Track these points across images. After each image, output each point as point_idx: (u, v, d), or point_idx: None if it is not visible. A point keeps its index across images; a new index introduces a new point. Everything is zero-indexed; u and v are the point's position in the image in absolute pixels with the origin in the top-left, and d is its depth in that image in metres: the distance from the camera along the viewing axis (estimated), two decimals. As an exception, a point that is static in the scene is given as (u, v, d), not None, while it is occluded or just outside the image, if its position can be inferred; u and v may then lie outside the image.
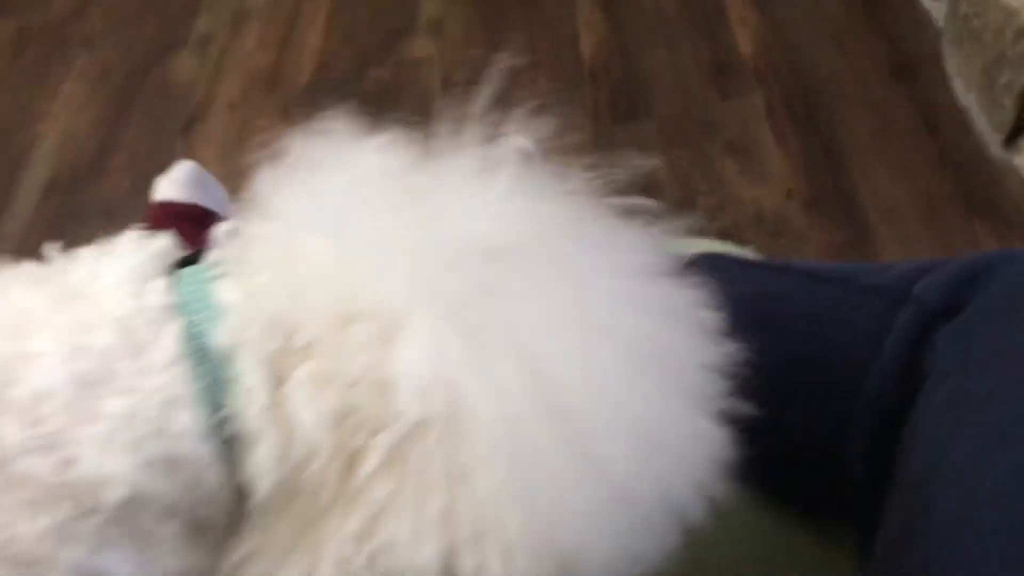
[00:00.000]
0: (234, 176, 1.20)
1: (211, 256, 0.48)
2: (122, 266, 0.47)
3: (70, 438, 0.43)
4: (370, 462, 0.41)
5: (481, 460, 0.40)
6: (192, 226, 0.95)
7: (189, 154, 1.27)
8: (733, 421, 0.44)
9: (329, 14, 1.59)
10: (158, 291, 0.46)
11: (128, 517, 0.44)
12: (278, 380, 0.43)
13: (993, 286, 0.54)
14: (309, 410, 0.42)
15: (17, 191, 1.37)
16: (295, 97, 1.43)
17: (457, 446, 0.40)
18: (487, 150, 0.45)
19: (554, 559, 0.40)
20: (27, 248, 0.48)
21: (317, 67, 1.48)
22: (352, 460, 0.42)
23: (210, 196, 1.01)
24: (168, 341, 0.45)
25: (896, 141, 1.26)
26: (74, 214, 1.33)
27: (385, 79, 1.43)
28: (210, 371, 0.44)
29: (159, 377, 0.44)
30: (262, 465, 0.43)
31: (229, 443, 0.44)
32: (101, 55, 1.59)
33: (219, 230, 0.48)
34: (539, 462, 0.40)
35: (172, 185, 1.00)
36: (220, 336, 0.44)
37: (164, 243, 0.48)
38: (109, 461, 0.43)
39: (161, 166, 1.37)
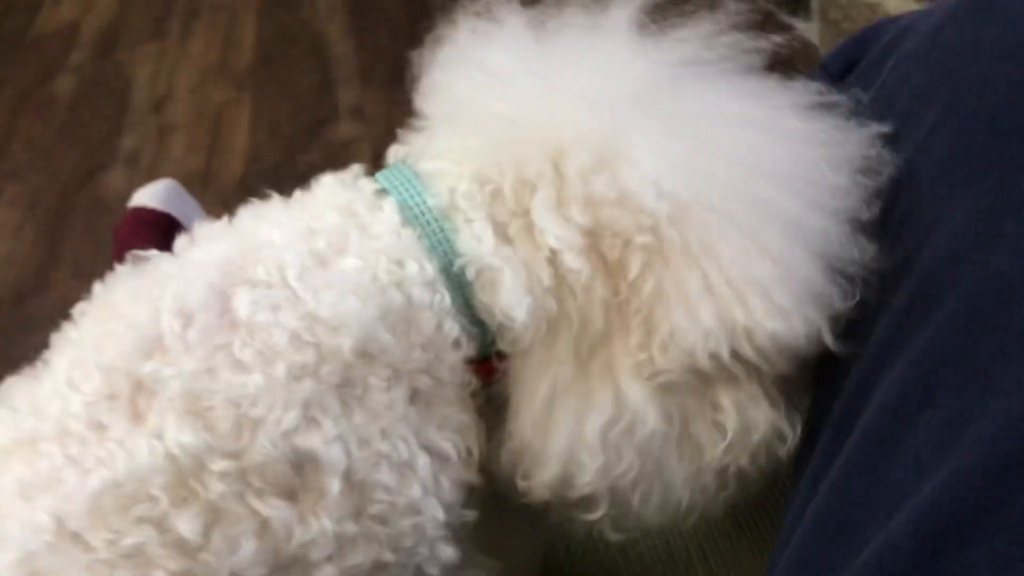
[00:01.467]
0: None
1: (396, 153, 0.53)
2: (326, 180, 0.52)
3: (307, 293, 0.46)
4: (634, 266, 0.46)
5: (718, 235, 0.46)
6: (159, 234, 0.95)
7: (134, 253, 1.29)
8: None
9: (251, 116, 1.65)
10: (366, 182, 0.51)
11: (352, 379, 0.45)
12: (500, 223, 0.47)
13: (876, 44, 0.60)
14: (559, 231, 0.46)
15: (-38, 314, 1.36)
16: (231, 190, 1.47)
17: (695, 229, 0.46)
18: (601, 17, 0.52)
19: (804, 290, 0.46)
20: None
21: (247, 162, 1.53)
22: (614, 271, 0.46)
23: (184, 211, 1.01)
24: (388, 213, 0.49)
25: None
26: (22, 326, 1.32)
27: (316, 162, 1.49)
28: (433, 229, 0.48)
29: (386, 239, 0.48)
30: (512, 296, 0.46)
31: (465, 289, 0.48)
32: (29, 183, 1.61)
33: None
34: (759, 226, 0.46)
35: (147, 194, 1.01)
36: (434, 199, 0.49)
37: (356, 168, 0.53)
38: (347, 303, 0.45)
39: (106, 272, 1.38)
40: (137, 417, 0.44)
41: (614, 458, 0.47)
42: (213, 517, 0.43)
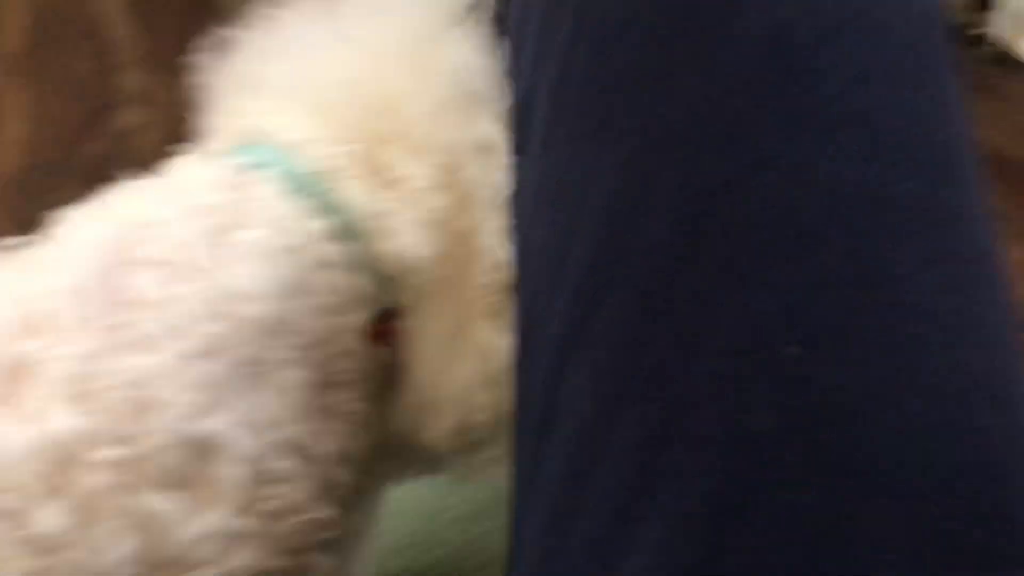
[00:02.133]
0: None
1: (234, 137, 0.52)
2: (187, 160, 0.50)
3: (213, 266, 0.43)
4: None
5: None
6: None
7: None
8: None
9: (26, 106, 1.54)
10: (230, 158, 0.49)
11: (261, 356, 0.43)
12: (375, 177, 0.48)
13: None
14: (420, 172, 0.48)
15: None
16: (7, 185, 1.38)
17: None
18: None
19: None
20: None
21: (24, 154, 1.44)
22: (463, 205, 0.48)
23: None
24: (271, 184, 0.48)
25: None
26: None
27: (101, 152, 1.41)
28: (318, 191, 0.48)
29: (278, 208, 0.47)
30: (411, 235, 0.47)
31: (361, 243, 0.48)
32: None
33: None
34: None
35: None
36: (305, 163, 0.48)
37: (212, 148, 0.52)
38: (258, 271, 0.44)
39: None
40: (11, 399, 0.39)
41: (501, 392, 0.47)
42: (87, 510, 0.39)
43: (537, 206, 0.48)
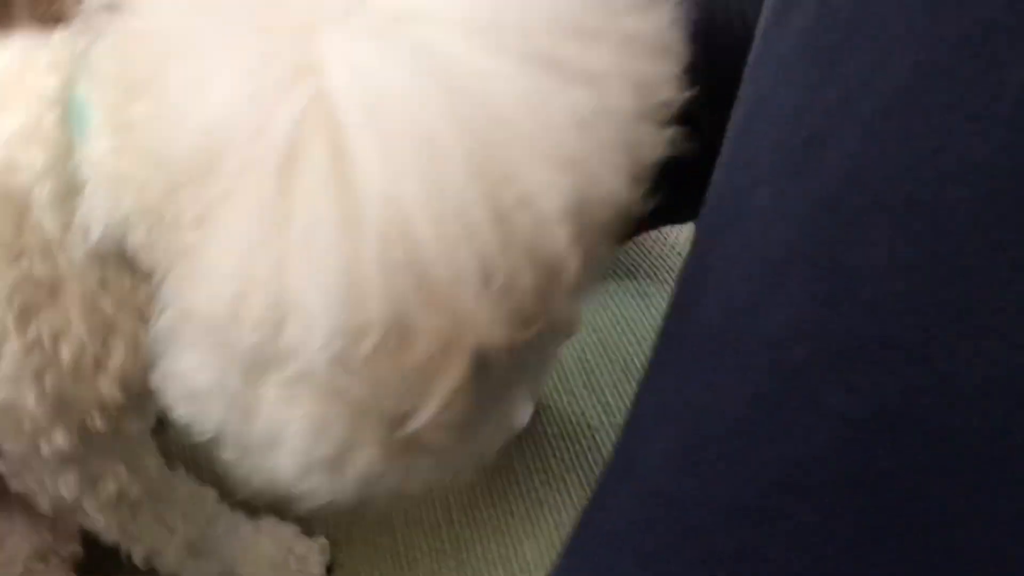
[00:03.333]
0: None
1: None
2: (20, 43, 0.50)
3: None
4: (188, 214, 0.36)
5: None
6: None
7: None
8: None
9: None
10: (67, 43, 0.48)
11: None
12: (121, 133, 0.40)
13: None
14: (134, 151, 0.39)
15: None
16: None
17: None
18: None
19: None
20: None
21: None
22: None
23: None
24: (49, 86, 0.46)
25: None
26: None
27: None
28: (75, 117, 0.44)
29: (21, 118, 0.47)
30: (89, 211, 0.43)
31: (74, 190, 0.44)
32: None
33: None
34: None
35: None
36: (88, 84, 0.44)
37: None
38: None
39: None
40: None
41: (189, 406, 0.42)
42: None
43: None
